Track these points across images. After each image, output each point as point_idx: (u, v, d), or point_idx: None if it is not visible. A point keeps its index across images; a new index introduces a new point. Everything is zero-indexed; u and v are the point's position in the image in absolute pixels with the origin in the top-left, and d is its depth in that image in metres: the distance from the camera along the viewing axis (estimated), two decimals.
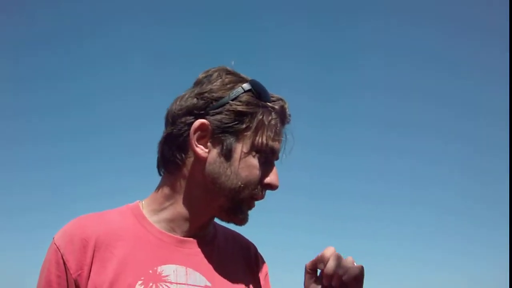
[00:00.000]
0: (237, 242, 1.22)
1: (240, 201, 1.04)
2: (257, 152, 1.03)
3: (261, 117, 1.03)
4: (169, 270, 1.02)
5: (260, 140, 1.03)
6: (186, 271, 1.03)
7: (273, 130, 1.04)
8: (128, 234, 1.04)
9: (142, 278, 0.99)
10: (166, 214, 1.08)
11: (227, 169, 1.02)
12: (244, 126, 1.02)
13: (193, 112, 1.04)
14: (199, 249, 1.08)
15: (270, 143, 1.04)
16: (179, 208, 1.07)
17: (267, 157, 1.05)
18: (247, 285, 1.12)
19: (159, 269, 1.01)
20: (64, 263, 0.99)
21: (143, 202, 1.12)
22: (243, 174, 1.02)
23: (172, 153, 1.06)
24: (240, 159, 1.02)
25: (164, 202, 1.08)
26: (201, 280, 1.04)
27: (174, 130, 1.05)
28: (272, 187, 1.06)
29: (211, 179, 1.03)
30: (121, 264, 1.00)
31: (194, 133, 1.02)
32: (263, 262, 1.24)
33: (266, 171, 1.06)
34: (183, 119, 1.04)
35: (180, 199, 1.06)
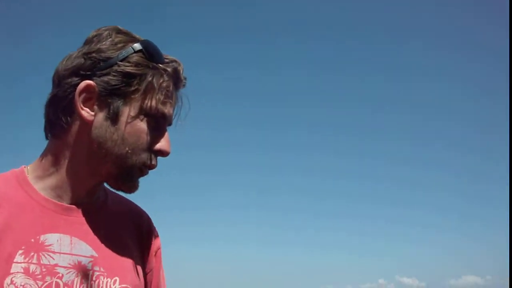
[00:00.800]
0: (129, 212, 1.18)
1: (128, 168, 1.00)
2: (146, 116, 0.99)
3: (150, 79, 0.99)
4: (52, 239, 0.98)
5: (149, 103, 0.99)
6: (71, 240, 0.99)
7: (164, 93, 1.00)
8: (10, 200, 0.99)
9: (23, 247, 0.94)
10: (51, 181, 1.02)
11: (113, 133, 0.98)
12: (132, 88, 0.98)
13: (79, 73, 0.99)
14: (86, 218, 1.04)
15: (160, 107, 1.00)
16: (64, 174, 1.02)
17: (158, 122, 1.01)
18: (134, 257, 1.09)
19: (42, 238, 0.97)
20: None
21: (28, 167, 1.06)
22: (130, 139, 0.98)
23: (57, 116, 1.01)
24: (127, 123, 0.98)
25: (50, 168, 1.03)
26: (86, 250, 1.01)
27: (59, 92, 1.00)
28: (163, 153, 1.03)
29: (97, 143, 0.99)
30: (1, 233, 0.94)
31: (80, 95, 0.98)
32: (157, 236, 1.21)
33: (156, 136, 1.02)
34: (68, 80, 0.99)
35: (65, 164, 1.02)
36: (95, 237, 1.03)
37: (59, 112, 1.01)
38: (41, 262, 0.95)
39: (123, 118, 0.98)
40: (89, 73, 0.98)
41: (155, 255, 1.18)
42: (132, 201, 1.20)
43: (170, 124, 1.06)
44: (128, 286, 1.04)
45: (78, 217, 1.03)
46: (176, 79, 1.04)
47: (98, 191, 1.09)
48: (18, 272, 0.92)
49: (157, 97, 0.99)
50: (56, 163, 1.02)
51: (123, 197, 1.17)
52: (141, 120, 0.99)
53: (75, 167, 1.02)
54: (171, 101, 1.03)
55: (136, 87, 0.98)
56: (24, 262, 0.93)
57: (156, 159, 1.03)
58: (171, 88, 1.02)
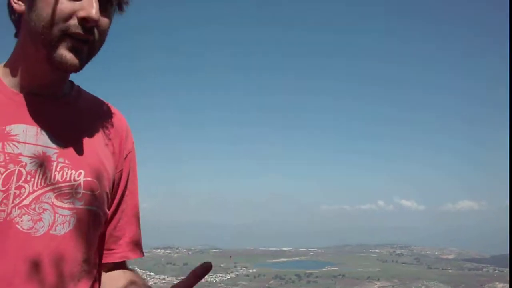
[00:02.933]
0: (103, 111, 1.18)
1: (49, 42, 0.97)
2: None
3: None
4: (18, 129, 1.00)
5: None
6: (37, 131, 1.02)
7: None
8: None
9: None
10: (17, 75, 1.06)
11: (32, 14, 0.98)
12: None
13: None
14: (54, 110, 1.07)
15: None
16: (25, 68, 1.06)
17: None
18: (103, 155, 1.10)
19: (8, 128, 1.00)
20: None
21: (1, 64, 1.11)
22: (44, 13, 0.96)
23: (10, 18, 1.07)
24: (40, 0, 0.97)
25: (15, 64, 1.07)
26: (52, 141, 1.03)
27: None
28: (86, 19, 0.97)
29: (29, 30, 1.01)
30: None
31: None
32: (130, 138, 1.21)
33: (76, 4, 0.97)
34: None
35: (23, 59, 1.06)
36: (62, 130, 1.05)
37: (10, 14, 1.06)
38: (5, 150, 0.97)
39: None
40: None
41: (125, 157, 1.17)
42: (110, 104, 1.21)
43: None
44: (93, 180, 1.04)
45: (45, 109, 1.05)
46: None
47: (61, 85, 1.10)
48: None
49: None
50: (18, 59, 1.07)
51: (99, 98, 1.19)
52: None
53: (30, 61, 1.04)
54: None
55: None
56: None
57: (82, 26, 0.97)
58: None
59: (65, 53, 0.98)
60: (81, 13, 0.96)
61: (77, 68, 1.01)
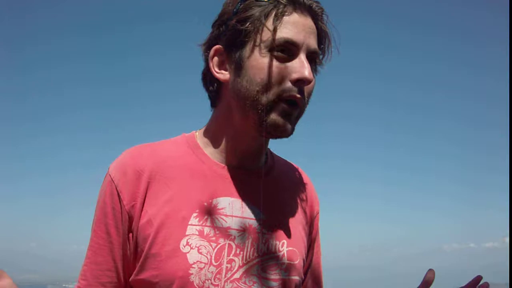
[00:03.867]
0: (295, 177, 1.19)
1: (264, 107, 0.95)
2: (269, 50, 0.96)
3: (258, 14, 0.96)
4: (224, 202, 1.00)
5: (264, 37, 0.95)
6: (242, 204, 1.02)
7: (280, 21, 0.95)
8: (183, 165, 1.03)
9: (197, 211, 0.98)
10: (218, 146, 1.06)
11: (242, 81, 0.97)
12: (246, 32, 0.97)
13: (211, 43, 1.03)
14: (255, 182, 1.06)
15: (279, 35, 0.95)
16: (227, 138, 1.05)
17: (287, 51, 0.96)
18: (299, 222, 1.11)
19: (214, 201, 1.00)
20: (118, 195, 0.98)
21: (197, 133, 1.09)
22: (257, 78, 0.95)
23: (208, 88, 1.07)
24: (251, 65, 0.96)
25: (217, 133, 1.07)
26: (256, 213, 1.03)
27: (204, 67, 1.06)
28: (300, 80, 0.95)
29: (236, 99, 1.00)
30: (176, 196, 0.98)
31: (211, 60, 1.02)
32: (317, 200, 1.21)
33: (289, 67, 0.96)
34: (205, 54, 1.05)
35: (225, 129, 1.05)
36: (264, 202, 1.04)
37: (208, 84, 1.06)
38: (215, 224, 0.97)
39: (247, 63, 0.97)
40: (215, 40, 1.02)
41: (314, 219, 1.19)
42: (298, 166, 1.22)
43: (314, 53, 0.99)
44: (295, 249, 1.06)
45: (247, 182, 1.05)
46: (293, 3, 0.97)
47: (262, 154, 1.10)
48: (193, 234, 0.96)
49: (271, 27, 0.95)
50: (220, 128, 1.06)
51: (290, 162, 1.20)
52: (263, 56, 0.95)
53: (233, 130, 1.04)
54: (291, 25, 0.96)
55: (249, 29, 0.96)
56: (198, 225, 0.97)
57: (298, 89, 0.96)
58: (287, 13, 0.96)
59: (277, 118, 0.96)
60: (295, 75, 0.95)
61: (288, 134, 0.99)
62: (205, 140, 1.08)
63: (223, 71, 1.02)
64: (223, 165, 1.05)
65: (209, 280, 0.94)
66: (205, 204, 0.99)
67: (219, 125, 1.07)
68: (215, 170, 1.04)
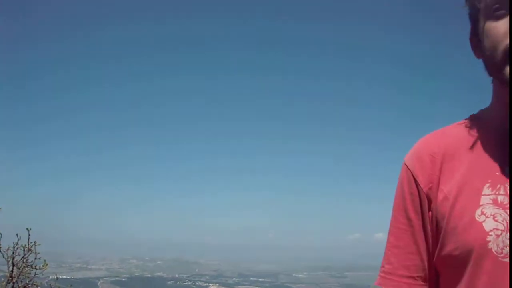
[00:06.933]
0: None
1: (496, 65, 0.99)
2: (494, 11, 0.98)
3: None
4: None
5: (483, 3, 1.01)
6: None
7: None
8: (470, 140, 1.08)
9: (489, 181, 1.01)
10: (499, 117, 1.07)
11: (483, 48, 1.03)
12: (475, 6, 1.04)
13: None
14: None
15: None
16: (496, 109, 1.09)
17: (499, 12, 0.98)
18: None
19: (506, 170, 1.01)
20: (415, 180, 1.09)
21: (484, 109, 1.15)
22: (488, 44, 1.01)
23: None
24: (484, 34, 1.02)
25: (491, 109, 1.11)
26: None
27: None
28: None
29: (485, 65, 1.05)
30: (468, 170, 1.04)
31: (471, 46, 1.10)
32: None
33: (503, 24, 0.97)
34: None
35: (502, 98, 1.06)
36: None
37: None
38: (508, 192, 0.99)
39: (481, 33, 1.03)
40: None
41: None
42: None
43: None
44: None
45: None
46: None
47: None
48: (487, 203, 1.00)
49: None
50: (495, 100, 1.09)
51: None
52: (490, 20, 0.99)
53: (499, 102, 1.07)
54: None
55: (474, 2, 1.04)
56: (491, 194, 1.00)
57: None
58: None
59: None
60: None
61: None
62: (488, 114, 1.12)
63: (478, 52, 1.09)
64: (506, 133, 1.05)
65: (507, 247, 0.95)
66: (497, 173, 1.02)
67: (495, 95, 1.10)
68: (499, 139, 1.05)
